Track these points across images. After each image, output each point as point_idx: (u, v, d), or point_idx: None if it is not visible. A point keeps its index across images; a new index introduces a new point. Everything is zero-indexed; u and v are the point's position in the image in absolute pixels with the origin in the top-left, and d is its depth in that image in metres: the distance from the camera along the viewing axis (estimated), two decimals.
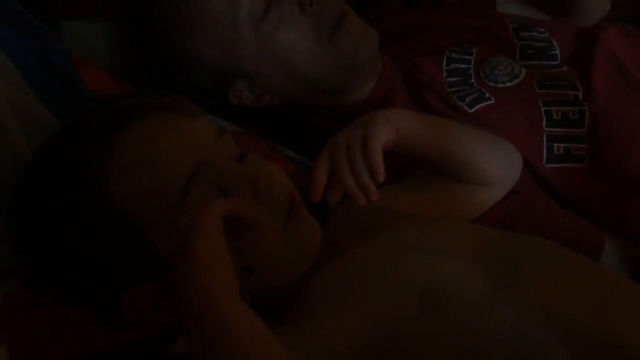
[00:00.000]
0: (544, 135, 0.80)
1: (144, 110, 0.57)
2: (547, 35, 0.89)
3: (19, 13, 0.73)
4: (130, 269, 0.53)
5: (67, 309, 0.56)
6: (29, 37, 0.71)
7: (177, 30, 0.83)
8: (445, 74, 0.87)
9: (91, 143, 0.55)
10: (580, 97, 0.82)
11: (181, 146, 0.55)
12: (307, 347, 0.49)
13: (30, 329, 0.53)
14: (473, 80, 0.86)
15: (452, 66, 0.87)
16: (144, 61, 0.95)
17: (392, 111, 0.66)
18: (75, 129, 0.58)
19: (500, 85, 0.84)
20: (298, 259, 0.58)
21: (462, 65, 0.87)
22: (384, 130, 0.61)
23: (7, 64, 0.67)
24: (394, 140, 0.63)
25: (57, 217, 0.55)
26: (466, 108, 0.83)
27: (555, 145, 0.80)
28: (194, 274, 0.43)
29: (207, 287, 0.43)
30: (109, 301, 0.51)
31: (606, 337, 0.49)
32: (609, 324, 0.50)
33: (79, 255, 0.54)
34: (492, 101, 0.83)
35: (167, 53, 0.87)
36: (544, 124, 0.81)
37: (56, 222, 0.55)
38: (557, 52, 0.88)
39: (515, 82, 0.84)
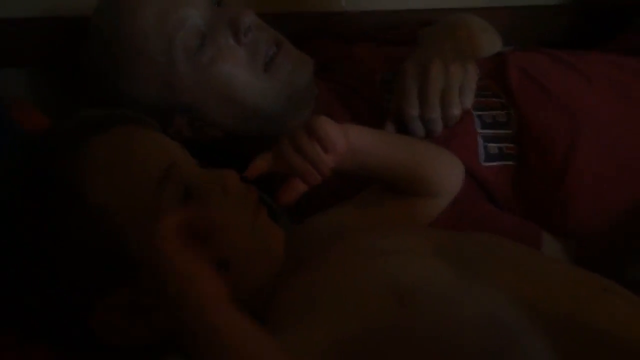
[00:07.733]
0: (479, 137, 0.85)
1: (113, 120, 0.57)
2: None
3: None
4: (103, 275, 0.51)
5: (29, 352, 0.52)
6: None
7: (109, 71, 0.82)
8: (380, 91, 0.90)
9: (63, 148, 0.54)
10: (505, 103, 0.88)
11: (152, 149, 0.56)
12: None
13: None
14: None
15: (385, 85, 0.91)
16: (76, 103, 0.93)
17: (342, 125, 0.64)
18: (42, 140, 0.57)
19: None
20: (267, 257, 0.58)
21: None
22: (328, 120, 0.60)
23: None
24: (344, 150, 0.62)
25: (24, 224, 0.53)
26: None
27: (489, 145, 0.85)
28: (181, 296, 0.41)
29: (197, 304, 0.41)
30: (76, 323, 0.48)
31: (581, 322, 0.50)
32: (580, 309, 0.51)
33: (50, 267, 0.52)
34: None
35: (101, 94, 0.85)
36: (478, 127, 0.85)
37: (23, 229, 0.53)
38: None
39: None
